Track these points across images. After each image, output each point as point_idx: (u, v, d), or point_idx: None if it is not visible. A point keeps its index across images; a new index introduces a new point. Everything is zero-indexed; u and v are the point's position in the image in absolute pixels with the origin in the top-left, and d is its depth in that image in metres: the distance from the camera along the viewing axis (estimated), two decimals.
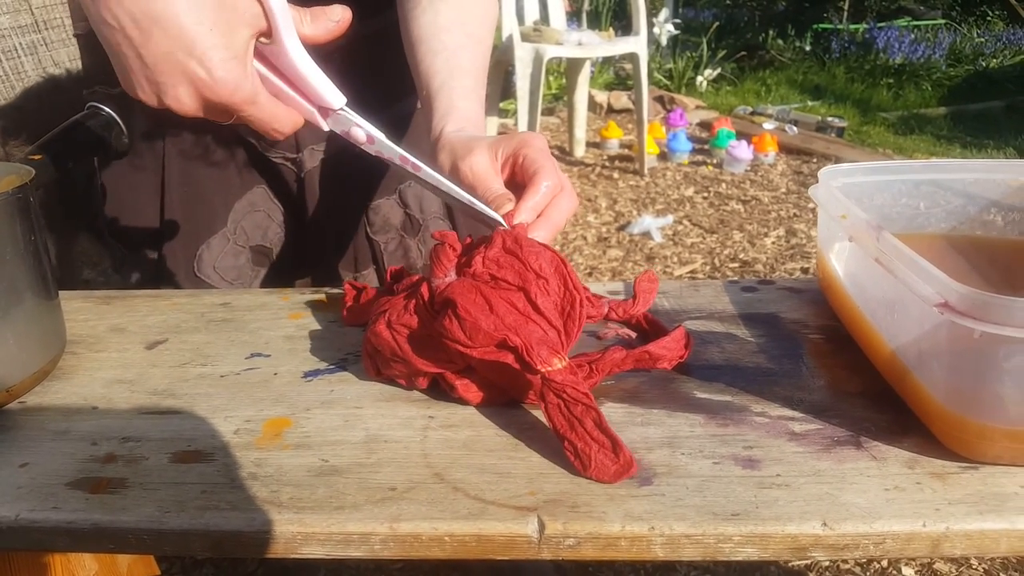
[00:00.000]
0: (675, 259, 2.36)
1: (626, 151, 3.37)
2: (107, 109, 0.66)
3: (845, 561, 1.15)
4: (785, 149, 3.36)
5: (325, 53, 0.47)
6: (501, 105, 3.34)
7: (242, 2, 0.42)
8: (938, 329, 0.39)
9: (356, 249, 0.80)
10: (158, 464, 0.41)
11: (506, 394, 0.45)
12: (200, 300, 0.62)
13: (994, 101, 4.44)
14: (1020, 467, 0.39)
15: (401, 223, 0.80)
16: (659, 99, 4.16)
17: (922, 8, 6.67)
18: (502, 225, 0.49)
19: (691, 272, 2.27)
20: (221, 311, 0.60)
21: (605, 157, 3.34)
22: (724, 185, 2.99)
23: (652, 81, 4.34)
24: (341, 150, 0.75)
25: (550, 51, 2.75)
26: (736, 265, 2.31)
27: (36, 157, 0.60)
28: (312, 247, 0.79)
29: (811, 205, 2.63)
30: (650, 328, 0.53)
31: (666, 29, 4.55)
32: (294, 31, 0.45)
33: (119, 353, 0.54)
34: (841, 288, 0.53)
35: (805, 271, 2.25)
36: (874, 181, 0.57)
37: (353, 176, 0.76)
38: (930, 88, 4.76)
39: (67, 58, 0.92)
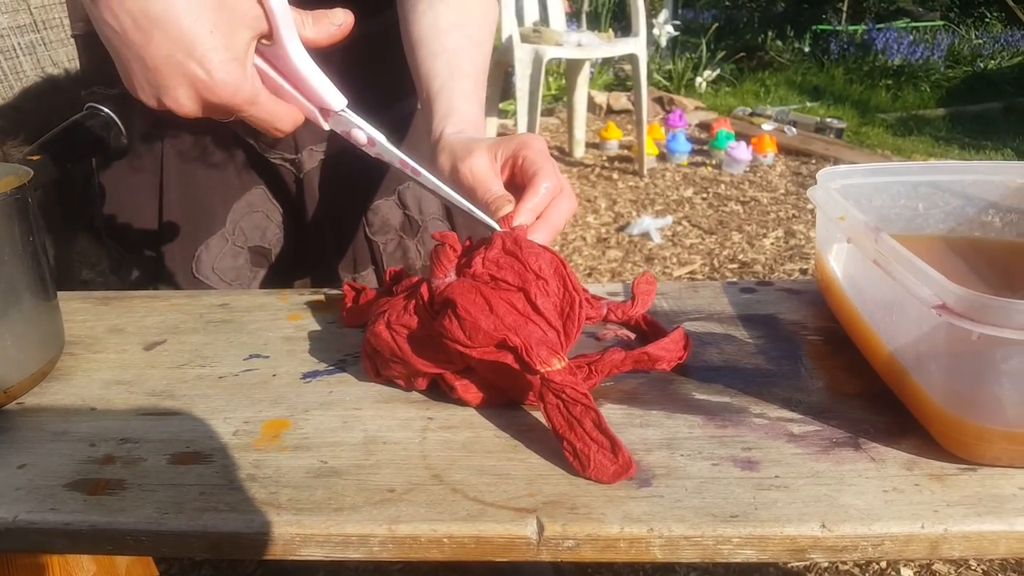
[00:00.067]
0: (674, 260, 2.36)
1: (625, 152, 3.37)
2: (106, 109, 0.66)
3: (844, 562, 1.15)
4: (784, 150, 3.36)
5: (325, 53, 0.47)
6: (501, 106, 3.34)
7: (242, 4, 0.42)
8: (936, 331, 0.39)
9: (355, 250, 0.80)
10: (156, 465, 0.41)
11: (505, 395, 0.45)
12: (199, 301, 0.62)
13: (992, 102, 4.45)
14: (1018, 469, 0.39)
15: (400, 224, 0.80)
16: (658, 100, 4.16)
17: (921, 10, 6.67)
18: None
19: (690, 273, 2.28)
20: (220, 312, 0.60)
21: (604, 158, 3.35)
22: (723, 186, 2.99)
23: (651, 82, 4.34)
24: (340, 151, 0.75)
25: (550, 52, 2.75)
26: (735, 266, 2.31)
27: (35, 157, 0.60)
28: (311, 248, 0.79)
29: (810, 206, 2.63)
30: (649, 329, 0.53)
31: (665, 30, 4.55)
32: (295, 33, 0.45)
33: (117, 354, 0.54)
34: (840, 289, 0.53)
35: (804, 272, 2.25)
36: (873, 182, 0.57)
37: (352, 177, 0.76)
38: (928, 89, 4.76)
39: (65, 58, 0.92)
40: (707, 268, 2.30)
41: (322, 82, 0.47)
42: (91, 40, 0.71)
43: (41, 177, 0.59)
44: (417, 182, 0.51)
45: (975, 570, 1.15)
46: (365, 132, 0.49)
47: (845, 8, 6.31)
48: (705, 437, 0.42)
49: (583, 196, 2.88)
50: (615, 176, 3.12)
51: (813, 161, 3.28)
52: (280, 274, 0.79)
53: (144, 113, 0.69)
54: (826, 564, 1.15)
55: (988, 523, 0.35)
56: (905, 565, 1.16)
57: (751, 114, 4.00)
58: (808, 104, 4.38)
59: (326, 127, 0.49)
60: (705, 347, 0.53)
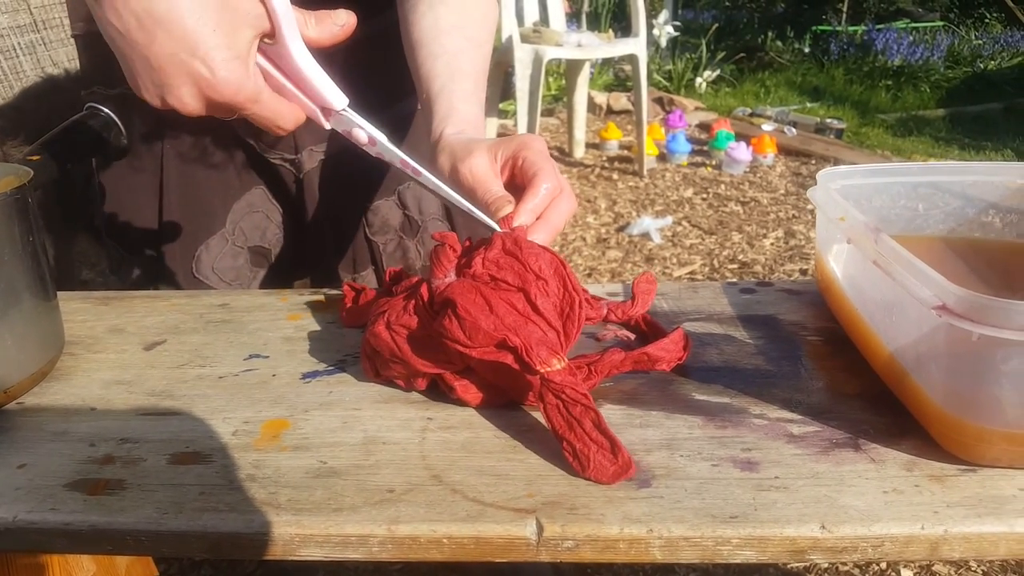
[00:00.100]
0: (674, 260, 2.36)
1: (625, 152, 3.37)
2: (106, 110, 0.66)
3: (844, 563, 1.15)
4: (784, 150, 3.36)
5: (327, 53, 0.47)
6: (501, 106, 3.35)
7: (245, 3, 0.43)
8: (936, 332, 0.39)
9: (355, 250, 0.80)
10: (156, 465, 0.41)
11: (505, 395, 0.45)
12: (199, 301, 0.62)
13: (992, 103, 4.45)
14: (1018, 469, 0.39)
15: (400, 224, 0.80)
16: (658, 100, 4.16)
17: (920, 10, 6.68)
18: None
19: (690, 273, 2.28)
20: (220, 312, 0.60)
21: (604, 158, 3.35)
22: (723, 186, 2.99)
23: (651, 82, 4.34)
24: (340, 151, 0.75)
25: (550, 52, 2.75)
26: (735, 266, 2.31)
27: (35, 157, 0.60)
28: (311, 248, 0.79)
29: (810, 207, 2.63)
30: (649, 330, 0.53)
31: (666, 31, 4.56)
32: (297, 33, 0.45)
33: (117, 354, 0.54)
34: (839, 290, 0.53)
35: (804, 272, 2.25)
36: (873, 183, 0.57)
37: (352, 177, 0.76)
38: (928, 90, 4.76)
39: (65, 58, 0.92)
40: (707, 268, 2.30)
41: (324, 81, 0.47)
42: (91, 40, 0.72)
43: (41, 177, 0.59)
44: (417, 182, 0.51)
45: (975, 571, 1.15)
46: (366, 131, 0.49)
47: (845, 9, 6.31)
48: (705, 438, 0.42)
49: (583, 196, 2.88)
50: (615, 176, 3.12)
51: (813, 162, 3.28)
52: (280, 274, 0.79)
53: (144, 114, 0.70)
54: (826, 565, 1.15)
55: (988, 524, 0.35)
56: (905, 566, 1.16)
57: (751, 115, 4.00)
58: (808, 105, 4.38)
59: (327, 126, 0.49)
60: (705, 348, 0.53)
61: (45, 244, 0.49)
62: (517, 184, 0.52)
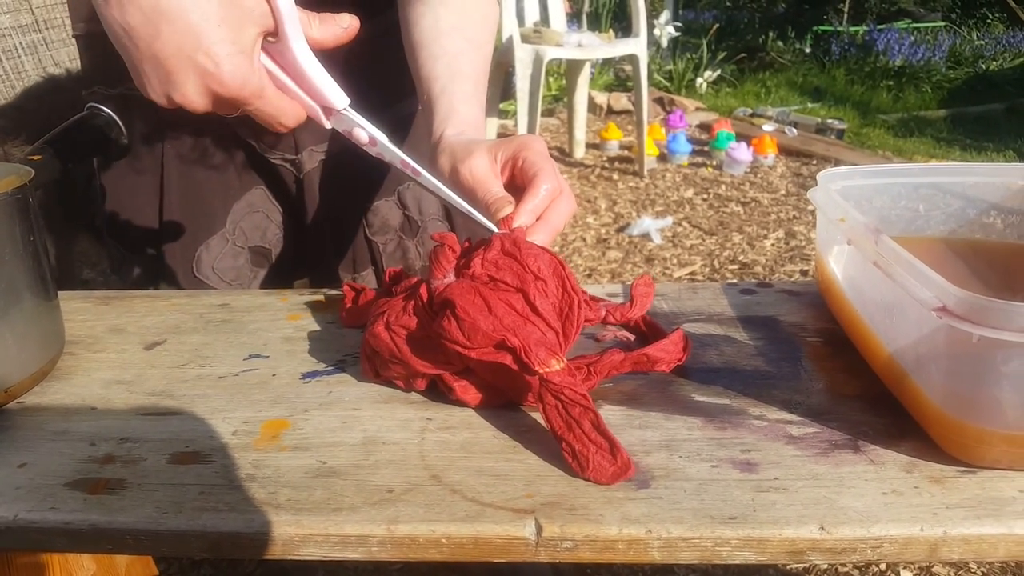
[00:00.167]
0: (674, 261, 2.36)
1: (626, 152, 3.37)
2: (107, 110, 0.66)
3: (843, 565, 1.15)
4: (785, 151, 3.36)
5: (328, 53, 0.48)
6: (501, 106, 3.34)
7: (250, 1, 0.43)
8: (936, 333, 0.39)
9: (355, 250, 0.80)
10: (156, 465, 0.41)
11: (504, 396, 0.46)
12: (199, 301, 0.62)
13: (994, 104, 4.44)
14: (1018, 471, 0.39)
15: (400, 224, 0.80)
16: (659, 101, 4.16)
17: (922, 10, 6.67)
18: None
19: (690, 274, 2.28)
20: (220, 312, 0.60)
21: (605, 158, 3.35)
22: (724, 187, 2.99)
23: (652, 83, 4.34)
24: (340, 151, 0.75)
25: (550, 52, 2.75)
26: (735, 267, 2.31)
27: (36, 157, 0.60)
28: (311, 248, 0.79)
29: (811, 207, 2.63)
30: (648, 331, 0.53)
31: (666, 31, 4.56)
32: (301, 32, 0.45)
33: (118, 354, 0.54)
34: (840, 291, 0.53)
35: (804, 273, 2.25)
36: (873, 184, 0.57)
37: (352, 178, 0.76)
38: (930, 90, 4.76)
39: (67, 58, 0.92)
40: (707, 269, 2.30)
41: (325, 81, 0.47)
42: (92, 40, 0.72)
43: (42, 177, 0.59)
44: (417, 182, 0.51)
45: (974, 573, 1.15)
46: (367, 131, 0.49)
47: (846, 9, 6.31)
48: (704, 439, 0.42)
49: (583, 197, 2.89)
50: (615, 177, 3.12)
51: (814, 162, 3.28)
52: (280, 274, 0.79)
53: (145, 114, 0.70)
54: (825, 566, 1.15)
55: (987, 526, 0.35)
56: (904, 568, 1.16)
57: (752, 115, 4.00)
58: (809, 105, 4.38)
59: (328, 125, 0.49)
60: (704, 348, 0.53)
61: (46, 244, 0.49)
62: (517, 185, 0.52)
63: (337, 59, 0.50)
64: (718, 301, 0.60)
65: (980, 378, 0.37)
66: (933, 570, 1.16)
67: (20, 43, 0.88)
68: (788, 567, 1.14)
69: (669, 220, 2.60)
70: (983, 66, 5.10)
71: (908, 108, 4.46)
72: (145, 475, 0.40)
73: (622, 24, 4.73)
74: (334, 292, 0.63)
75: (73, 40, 0.78)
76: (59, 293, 0.52)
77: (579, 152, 3.35)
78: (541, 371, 0.41)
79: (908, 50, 5.17)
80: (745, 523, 0.36)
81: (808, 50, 5.61)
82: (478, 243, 0.47)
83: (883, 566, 1.16)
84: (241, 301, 0.62)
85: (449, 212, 0.82)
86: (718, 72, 4.77)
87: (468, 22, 0.62)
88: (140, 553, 0.39)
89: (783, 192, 2.93)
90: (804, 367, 0.50)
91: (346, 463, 0.41)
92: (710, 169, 3.18)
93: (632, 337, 0.54)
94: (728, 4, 7.49)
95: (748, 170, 3.15)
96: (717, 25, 5.50)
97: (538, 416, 0.44)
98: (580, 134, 3.34)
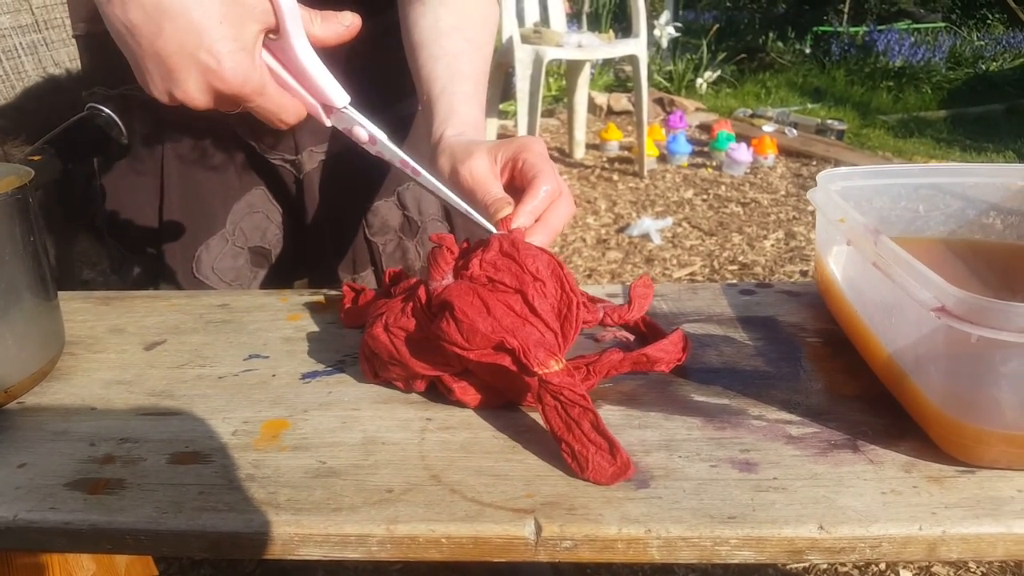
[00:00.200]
0: (674, 261, 2.36)
1: (626, 153, 3.37)
2: (107, 110, 0.66)
3: (843, 564, 1.15)
4: (785, 152, 3.36)
5: (329, 52, 0.48)
6: (501, 107, 3.35)
7: None
8: (935, 333, 0.39)
9: (354, 251, 0.80)
10: (156, 465, 0.41)
11: (503, 396, 0.46)
12: (199, 301, 0.62)
13: (994, 104, 4.44)
14: (1017, 471, 0.39)
15: (399, 225, 0.80)
16: (659, 101, 4.16)
17: (922, 11, 6.68)
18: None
19: (690, 274, 2.28)
20: (220, 312, 0.60)
21: (605, 159, 3.35)
22: (723, 187, 2.99)
23: (652, 83, 4.34)
24: (340, 152, 0.75)
25: (550, 53, 2.75)
26: (735, 267, 2.31)
27: (36, 158, 0.60)
28: (311, 249, 0.79)
29: (810, 208, 2.63)
30: (648, 331, 0.53)
31: (667, 32, 4.56)
32: (302, 29, 0.45)
33: (118, 354, 0.54)
34: (839, 292, 0.53)
35: (804, 274, 2.25)
36: (873, 184, 0.57)
37: (352, 178, 0.76)
38: (930, 91, 4.76)
39: (67, 58, 0.92)
40: (707, 270, 2.30)
41: (326, 78, 0.47)
42: (92, 40, 0.72)
43: (42, 177, 0.59)
44: (417, 182, 0.51)
45: (974, 572, 1.15)
46: (367, 130, 0.50)
47: (846, 9, 6.31)
48: (703, 439, 0.42)
49: (583, 197, 2.89)
50: (615, 177, 3.12)
51: (814, 163, 3.28)
52: (280, 275, 0.79)
53: (145, 115, 0.70)
54: (825, 566, 1.15)
55: (986, 525, 0.35)
56: (904, 567, 1.16)
57: (752, 115, 4.00)
58: (809, 106, 4.38)
59: (328, 123, 0.49)
60: (704, 349, 0.53)
61: (46, 244, 0.49)
62: (516, 186, 0.52)
63: (338, 58, 0.50)
64: (717, 301, 0.60)
65: (979, 378, 0.37)
66: (933, 570, 1.16)
67: (20, 43, 0.88)
68: (788, 567, 1.14)
69: (669, 221, 2.60)
70: (983, 67, 5.10)
71: (908, 109, 4.47)
72: (145, 475, 0.40)
73: (622, 24, 4.73)
74: (334, 292, 0.63)
75: (73, 40, 0.78)
76: (59, 293, 0.52)
77: (579, 153, 3.35)
78: (540, 372, 0.41)
79: (908, 51, 5.17)
80: (744, 522, 0.36)
81: (808, 51, 5.61)
82: (476, 244, 0.47)
83: (883, 566, 1.16)
84: (241, 301, 0.62)
85: (449, 213, 0.82)
86: (718, 73, 4.77)
87: (468, 22, 0.62)
88: (140, 553, 0.39)
89: (783, 193, 2.93)
90: (803, 367, 0.50)
91: (346, 463, 0.41)
92: (710, 170, 3.19)
93: (631, 337, 0.54)
94: (728, 5, 7.50)
95: (748, 171, 3.15)
96: (717, 26, 5.50)
97: (537, 416, 0.44)
98: (580, 135, 3.34)
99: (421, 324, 0.45)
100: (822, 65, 5.29)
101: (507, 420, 0.45)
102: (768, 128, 3.63)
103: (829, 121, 3.77)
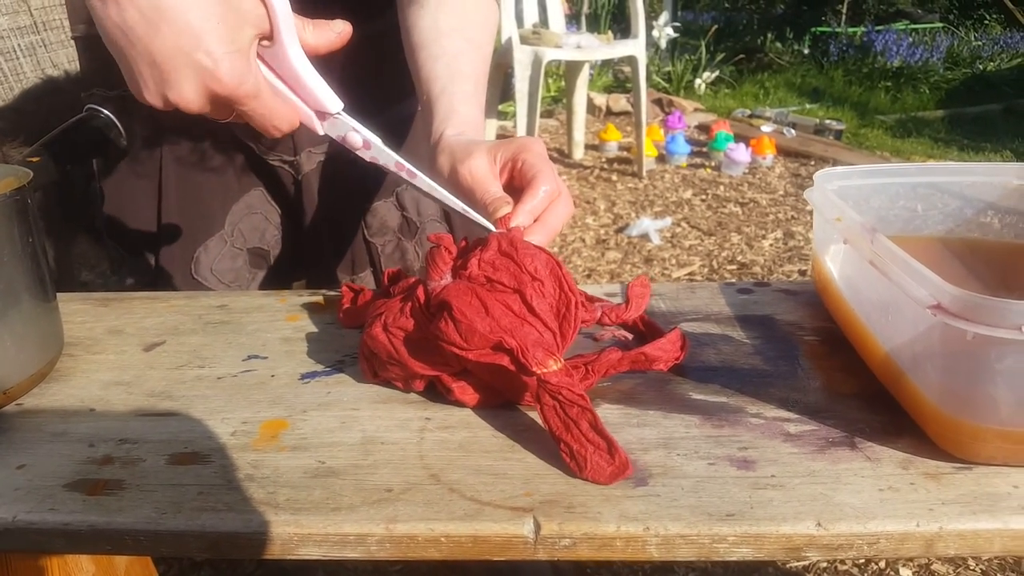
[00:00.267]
0: (673, 261, 2.36)
1: (625, 153, 3.38)
2: (105, 111, 0.66)
3: (843, 562, 1.15)
4: (783, 152, 3.36)
5: (323, 57, 0.48)
6: (500, 107, 3.35)
7: (247, 3, 0.43)
8: (931, 331, 0.39)
9: (353, 251, 0.80)
10: (155, 466, 0.41)
11: (502, 396, 0.46)
12: (197, 302, 0.62)
13: (992, 104, 4.45)
14: (1013, 467, 0.39)
15: (398, 226, 0.80)
16: (657, 102, 4.16)
17: (920, 11, 6.69)
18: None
19: (689, 274, 2.28)
20: (218, 313, 0.60)
21: (604, 159, 3.35)
22: (722, 187, 2.99)
23: (651, 84, 4.35)
24: (339, 153, 0.74)
25: (549, 54, 2.75)
26: (734, 267, 2.31)
27: (34, 159, 0.60)
28: (309, 249, 0.79)
29: (809, 208, 2.63)
30: (646, 330, 0.54)
31: (665, 32, 4.56)
32: (295, 36, 0.45)
33: (117, 355, 0.54)
34: (836, 290, 0.54)
35: (803, 273, 2.25)
36: (870, 184, 0.57)
37: (350, 179, 0.76)
38: (928, 91, 4.77)
39: (66, 60, 0.92)
40: (706, 269, 2.30)
41: (319, 85, 0.47)
42: (91, 42, 0.72)
43: (41, 178, 0.59)
44: (412, 185, 0.51)
45: (974, 570, 1.15)
46: (361, 135, 0.50)
47: (844, 10, 6.32)
48: (702, 437, 0.43)
49: (582, 198, 2.89)
50: (614, 178, 3.13)
51: (812, 163, 3.28)
52: (278, 275, 0.79)
53: (144, 117, 0.70)
54: (825, 564, 1.15)
55: (983, 521, 0.36)
56: (904, 565, 1.16)
57: (750, 116, 4.00)
58: (807, 106, 4.39)
59: (322, 132, 0.49)
60: (702, 347, 0.53)
61: (45, 245, 0.49)
62: (516, 186, 0.52)
63: (334, 62, 0.50)
64: (716, 300, 0.60)
65: (975, 375, 0.37)
66: (932, 568, 1.16)
67: (18, 45, 0.88)
68: (788, 565, 1.14)
69: (668, 221, 2.61)
70: (980, 67, 5.11)
71: (906, 109, 4.47)
72: (144, 476, 0.40)
73: (621, 25, 4.73)
74: (332, 293, 0.63)
75: (72, 42, 0.78)
76: (58, 295, 0.52)
77: (578, 153, 3.35)
78: (538, 372, 0.41)
79: (906, 51, 5.17)
80: (742, 520, 0.36)
81: (806, 51, 5.62)
82: (475, 242, 0.48)
83: (883, 564, 1.16)
84: (240, 302, 0.62)
85: (447, 213, 0.82)
86: (716, 73, 4.77)
87: (468, 23, 0.62)
88: (139, 554, 0.39)
89: (781, 193, 2.93)
90: (801, 365, 0.50)
91: (345, 463, 0.41)
92: (709, 170, 3.19)
93: (630, 336, 0.54)
94: (727, 5, 7.51)
95: (746, 171, 3.15)
96: (716, 26, 5.50)
97: (536, 415, 0.44)
98: (579, 135, 3.34)
99: (420, 324, 0.45)
100: (820, 65, 5.29)
101: (506, 419, 0.45)
102: (766, 128, 3.63)
103: (827, 121, 3.77)
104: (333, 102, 0.48)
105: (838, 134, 3.67)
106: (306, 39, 0.47)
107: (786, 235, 2.53)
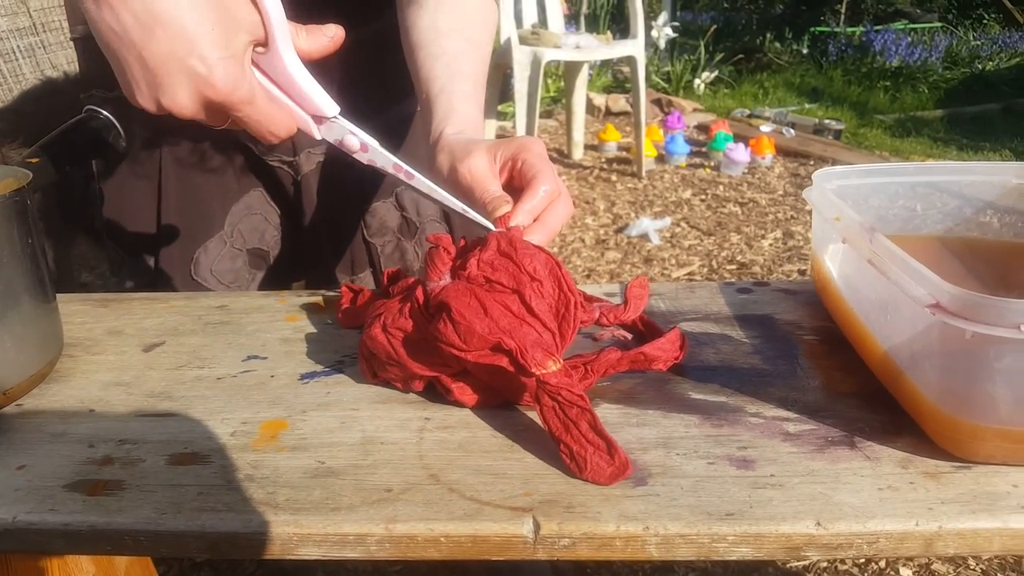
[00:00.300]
0: (673, 261, 2.36)
1: (624, 154, 3.38)
2: (105, 112, 0.66)
3: (843, 562, 1.15)
4: (782, 151, 3.37)
5: (319, 61, 0.48)
6: (499, 108, 3.35)
7: (241, 9, 0.43)
8: (930, 330, 0.39)
9: (353, 252, 0.80)
10: (155, 466, 0.41)
11: (501, 396, 0.46)
12: (197, 303, 0.62)
13: (990, 104, 4.45)
14: (1012, 466, 0.39)
15: (398, 226, 0.80)
16: (657, 102, 4.16)
17: (918, 11, 6.69)
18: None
19: (689, 274, 2.28)
20: (218, 314, 0.60)
21: (603, 160, 3.35)
22: (721, 187, 2.99)
23: (650, 84, 4.35)
24: (338, 154, 0.75)
25: (548, 54, 2.76)
26: (734, 267, 2.31)
27: (34, 160, 0.60)
28: (309, 250, 0.79)
29: (808, 207, 2.63)
30: (646, 329, 0.54)
31: (664, 32, 4.56)
32: (290, 41, 0.45)
33: (116, 356, 0.54)
34: (835, 290, 0.54)
35: (802, 273, 2.25)
36: (869, 183, 0.57)
37: (350, 179, 0.76)
38: (927, 91, 4.77)
39: (65, 61, 0.92)
40: (706, 269, 2.30)
41: (315, 89, 0.47)
42: (90, 43, 0.71)
43: (40, 180, 0.59)
44: (410, 186, 0.51)
45: (974, 569, 1.15)
46: (358, 138, 0.50)
47: (843, 10, 6.32)
48: (701, 436, 0.43)
49: (582, 198, 2.89)
50: (614, 178, 3.13)
51: (811, 162, 3.28)
52: (278, 276, 0.79)
53: (143, 118, 0.70)
54: (825, 564, 1.15)
55: (982, 520, 0.36)
56: (904, 564, 1.16)
57: (749, 116, 4.01)
58: (806, 106, 4.39)
59: (318, 136, 0.49)
60: (701, 347, 0.53)
61: (44, 246, 0.49)
62: (515, 186, 0.52)
63: (332, 64, 0.50)
64: (715, 300, 0.60)
65: (974, 374, 0.38)
66: (932, 567, 1.16)
67: (18, 46, 0.88)
68: (788, 565, 1.14)
69: (667, 221, 2.61)
70: (979, 66, 5.11)
71: (905, 108, 4.47)
72: (144, 476, 0.40)
73: (620, 25, 4.73)
74: (332, 293, 0.63)
75: (71, 43, 0.78)
76: (57, 295, 0.52)
77: (577, 153, 3.35)
78: (538, 373, 0.41)
79: (905, 51, 5.18)
80: (742, 519, 0.36)
81: (805, 51, 5.62)
82: (474, 242, 0.48)
83: (882, 564, 1.16)
84: (239, 303, 0.62)
85: (447, 213, 0.82)
86: (716, 73, 4.77)
87: (467, 23, 0.62)
88: (139, 554, 0.39)
89: (781, 192, 2.93)
90: (800, 365, 0.50)
91: (344, 463, 0.41)
92: (708, 170, 3.19)
93: (629, 336, 0.54)
94: (726, 5, 7.51)
95: (746, 171, 3.15)
96: (715, 26, 5.51)
97: (535, 415, 0.44)
98: (578, 135, 3.34)
99: (419, 325, 0.45)
100: (819, 65, 5.29)
101: (505, 419, 0.45)
102: (766, 128, 3.63)
103: (826, 121, 3.77)
104: (329, 106, 0.48)
105: (837, 134, 3.67)
106: (300, 44, 0.47)
107: (785, 235, 2.53)
